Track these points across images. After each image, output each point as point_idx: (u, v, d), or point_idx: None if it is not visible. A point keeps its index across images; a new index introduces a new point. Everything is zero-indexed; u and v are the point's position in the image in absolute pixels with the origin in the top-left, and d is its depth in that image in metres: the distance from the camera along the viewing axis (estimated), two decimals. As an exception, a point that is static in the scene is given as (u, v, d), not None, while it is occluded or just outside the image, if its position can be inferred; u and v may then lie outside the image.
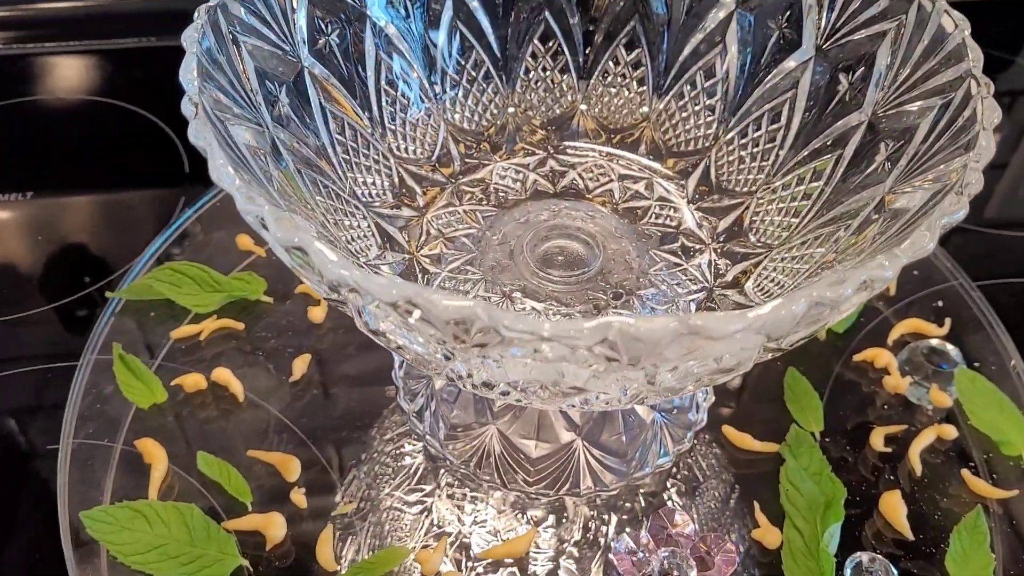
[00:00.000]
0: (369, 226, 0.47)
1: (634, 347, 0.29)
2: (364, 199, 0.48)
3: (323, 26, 0.46)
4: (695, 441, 0.51)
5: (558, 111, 0.54)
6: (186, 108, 0.34)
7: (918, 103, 0.41)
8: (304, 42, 0.45)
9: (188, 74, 0.36)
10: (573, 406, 0.37)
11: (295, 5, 0.45)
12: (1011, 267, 0.66)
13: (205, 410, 0.53)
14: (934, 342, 0.56)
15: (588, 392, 0.34)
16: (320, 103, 0.46)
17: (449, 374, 0.35)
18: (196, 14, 0.39)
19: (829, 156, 0.45)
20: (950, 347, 0.56)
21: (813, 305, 0.29)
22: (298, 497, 0.48)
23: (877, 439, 0.51)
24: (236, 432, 0.52)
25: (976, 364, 0.55)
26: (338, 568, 0.45)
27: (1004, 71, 0.87)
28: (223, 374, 0.53)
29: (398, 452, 0.51)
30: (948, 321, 0.57)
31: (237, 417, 0.52)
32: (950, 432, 0.52)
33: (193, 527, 0.45)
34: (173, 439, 0.51)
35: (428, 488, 0.49)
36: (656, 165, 0.52)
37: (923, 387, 0.54)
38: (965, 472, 0.50)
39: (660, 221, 0.50)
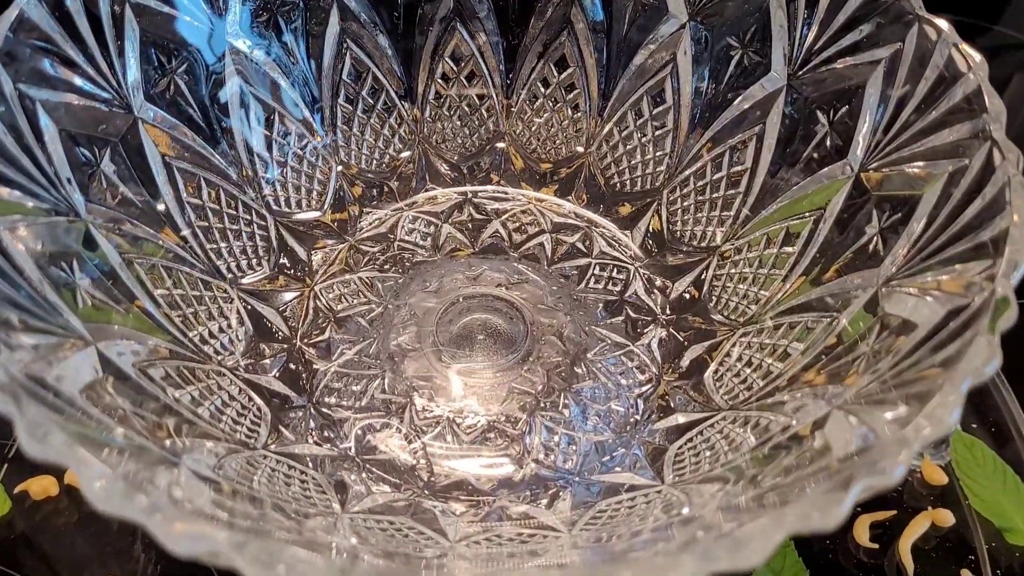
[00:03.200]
0: (236, 310, 0.37)
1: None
2: (231, 274, 0.38)
3: (162, 59, 0.36)
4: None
5: (477, 144, 0.44)
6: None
7: (919, 163, 0.32)
8: (138, 85, 0.35)
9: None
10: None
11: (122, 34, 0.35)
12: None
13: (58, 519, 0.44)
14: (925, 397, 0.48)
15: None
16: (163, 160, 0.36)
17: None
18: (-44, 75, 0.28)
19: (807, 216, 0.36)
20: (944, 404, 0.48)
21: (790, 533, 0.21)
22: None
23: (861, 530, 0.43)
24: (96, 545, 0.43)
25: (973, 425, 0.48)
26: None
27: (983, 35, 0.80)
28: (79, 475, 0.44)
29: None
30: (941, 374, 0.49)
31: (96, 526, 0.43)
32: (946, 518, 0.44)
33: None
34: (20, 562, 0.42)
35: None
36: (594, 214, 0.43)
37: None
38: (965, 572, 0.42)
39: (601, 285, 0.41)
